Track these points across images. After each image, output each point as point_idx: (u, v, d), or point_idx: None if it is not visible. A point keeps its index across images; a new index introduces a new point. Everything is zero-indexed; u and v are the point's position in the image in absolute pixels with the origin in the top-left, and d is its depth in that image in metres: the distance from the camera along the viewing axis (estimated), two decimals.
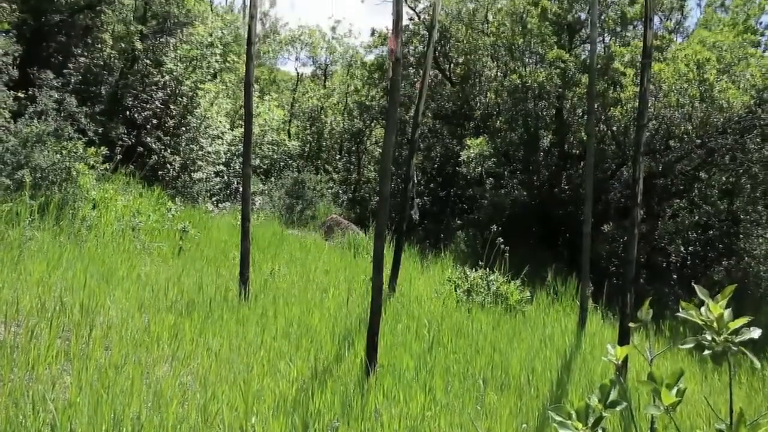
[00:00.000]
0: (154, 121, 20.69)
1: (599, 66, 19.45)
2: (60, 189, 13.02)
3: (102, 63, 20.13)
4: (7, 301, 7.02)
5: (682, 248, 19.65)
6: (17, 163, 12.71)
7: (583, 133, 20.25)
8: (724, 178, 20.01)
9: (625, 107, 19.30)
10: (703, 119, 18.61)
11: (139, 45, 20.25)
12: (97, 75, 19.74)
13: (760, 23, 22.65)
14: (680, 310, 2.35)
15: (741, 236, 19.81)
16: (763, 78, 17.75)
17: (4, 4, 15.38)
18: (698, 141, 18.94)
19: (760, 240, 19.79)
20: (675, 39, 21.79)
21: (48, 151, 13.12)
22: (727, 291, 2.26)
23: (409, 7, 26.62)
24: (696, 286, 2.37)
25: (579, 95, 20.65)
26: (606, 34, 22.67)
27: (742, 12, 22.17)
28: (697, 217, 19.69)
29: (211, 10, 28.30)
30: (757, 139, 18.52)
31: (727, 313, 2.22)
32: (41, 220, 11.76)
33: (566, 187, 21.95)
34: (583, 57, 21.44)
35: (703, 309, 2.26)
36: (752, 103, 17.92)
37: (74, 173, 13.40)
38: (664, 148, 20.09)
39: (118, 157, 17.02)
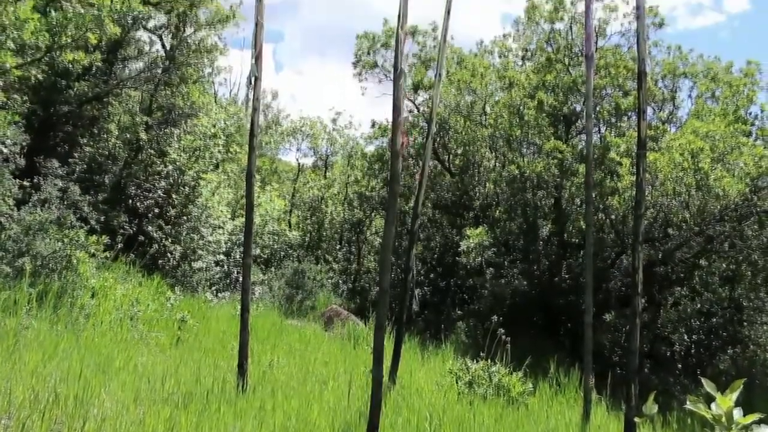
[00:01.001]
0: (156, 210, 20.86)
1: (596, 156, 19.78)
2: (59, 277, 13.00)
3: (107, 153, 20.48)
4: (0, 393, 6.87)
5: (685, 337, 19.43)
6: (18, 251, 12.75)
7: (582, 222, 20.38)
8: (724, 265, 20.02)
9: (622, 196, 19.51)
10: (701, 207, 18.80)
11: (143, 135, 20.66)
12: (102, 164, 20.05)
13: (750, 113, 23.25)
14: (687, 402, 2.31)
15: (745, 323, 19.63)
16: (756, 166, 18.04)
17: (16, 96, 15.81)
18: (696, 228, 19.05)
19: (765, 327, 19.60)
20: (669, 129, 22.29)
21: (50, 239, 13.18)
22: (735, 385, 2.23)
23: (409, 99, 27.32)
24: (703, 379, 2.34)
25: (577, 185, 20.92)
26: (602, 125, 23.19)
27: (732, 103, 22.78)
28: (699, 305, 19.56)
29: (215, 102, 29.05)
30: (755, 226, 18.66)
31: (737, 411, 2.18)
32: (39, 309, 11.66)
33: (567, 276, 21.91)
34: (579, 147, 21.84)
35: (712, 404, 2.22)
36: (748, 191, 18.14)
37: (74, 261, 13.42)
38: (663, 236, 20.18)
39: (119, 245, 17.08)
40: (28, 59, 15.28)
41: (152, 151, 21.61)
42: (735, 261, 19.53)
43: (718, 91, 23.52)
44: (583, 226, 17.92)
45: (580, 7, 21.98)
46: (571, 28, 23.73)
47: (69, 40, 15.95)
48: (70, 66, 16.69)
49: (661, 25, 23.31)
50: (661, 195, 19.42)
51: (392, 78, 13.10)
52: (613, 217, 20.93)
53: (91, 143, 19.94)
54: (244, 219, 11.45)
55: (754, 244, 18.71)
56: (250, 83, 10.54)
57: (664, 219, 20.18)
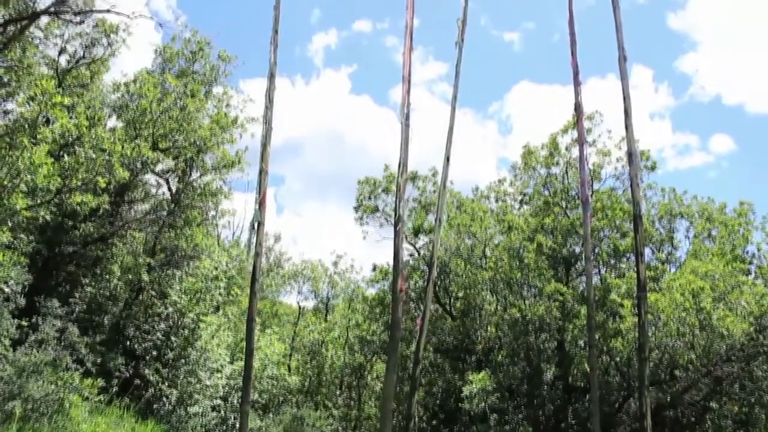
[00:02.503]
0: (154, 353, 20.55)
1: (597, 298, 19.76)
2: (50, 421, 12.62)
3: (108, 293, 20.49)
4: None
5: None
6: (10, 394, 12.45)
7: (586, 365, 19.99)
8: (736, 408, 19.36)
9: (626, 338, 19.28)
10: (706, 347, 18.51)
11: (145, 277, 20.75)
12: (102, 305, 20.01)
13: (747, 252, 23.51)
14: None
15: None
16: (758, 305, 17.98)
17: (22, 236, 16.07)
18: (704, 370, 18.66)
19: None
20: (668, 269, 22.45)
21: (43, 382, 12.91)
22: None
23: (409, 243, 27.66)
24: None
25: (579, 327, 20.73)
26: (601, 266, 23.34)
27: (728, 242, 23.11)
28: None
29: (218, 245, 29.38)
30: (764, 366, 18.25)
31: None
32: None
33: (573, 422, 21.20)
34: (580, 289, 21.88)
35: None
36: (752, 330, 17.96)
37: (67, 405, 13.08)
38: (670, 378, 19.72)
39: (114, 388, 16.71)
40: (38, 201, 15.70)
41: (153, 293, 21.62)
42: (747, 403, 18.92)
43: (714, 231, 23.97)
44: (588, 370, 17.59)
45: (575, 152, 22.84)
46: (566, 172, 24.49)
47: (79, 183, 16.46)
48: (78, 208, 17.09)
49: (653, 168, 24.10)
50: (665, 336, 19.18)
51: (393, 222, 13.41)
52: (617, 359, 20.56)
53: (93, 283, 20.01)
54: (243, 363, 11.30)
55: (765, 385, 18.22)
56: (254, 228, 10.81)
57: (670, 360, 19.81)
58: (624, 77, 14.75)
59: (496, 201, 28.89)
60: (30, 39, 20.81)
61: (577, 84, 15.91)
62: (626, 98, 14.49)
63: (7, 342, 13.83)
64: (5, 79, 20.00)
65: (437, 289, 26.48)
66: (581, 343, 21.78)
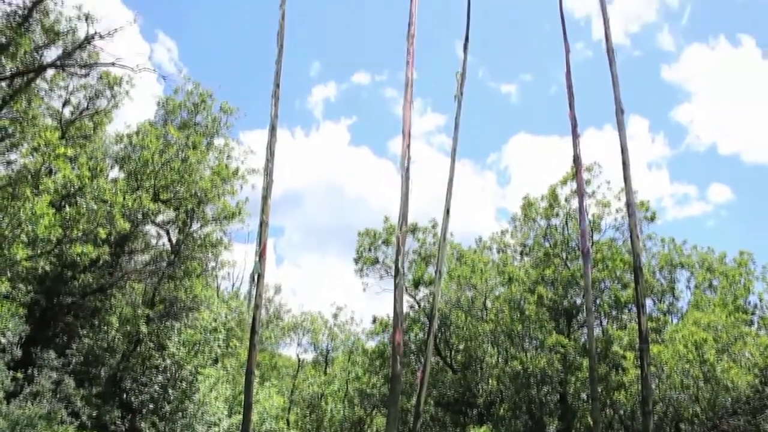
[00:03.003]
0: (151, 406, 20.26)
1: (599, 350, 19.58)
2: None
3: (105, 345, 20.29)
4: None
5: None
6: None
7: (589, 419, 19.67)
8: None
9: (629, 390, 19.03)
10: (711, 400, 18.24)
11: (144, 329, 20.59)
12: (99, 356, 19.79)
13: (748, 302, 23.40)
14: None
15: None
16: (763, 357, 17.80)
17: (21, 285, 16.01)
18: (709, 423, 18.35)
19: None
20: (670, 320, 22.33)
21: None
22: None
23: (410, 295, 27.53)
24: None
25: (582, 379, 20.49)
26: (603, 318, 23.19)
27: (730, 292, 23.02)
28: None
29: (218, 296, 29.22)
30: None
31: None
32: None
33: None
34: (582, 341, 21.70)
35: None
36: (758, 383, 17.72)
37: None
38: None
39: None
40: (39, 251, 15.68)
41: (151, 345, 21.42)
42: None
43: (715, 281, 23.93)
44: (591, 423, 17.31)
45: (574, 204, 22.92)
46: (566, 223, 24.55)
47: (80, 234, 16.47)
48: (78, 258, 17.05)
49: (653, 218, 24.18)
50: (669, 388, 18.93)
51: (393, 274, 13.38)
52: (621, 412, 20.26)
53: (91, 335, 19.84)
54: (241, 417, 11.12)
55: None
56: (254, 280, 10.77)
57: (675, 414, 19.50)
58: (622, 130, 14.90)
59: (498, 252, 28.91)
60: (35, 91, 21.12)
61: (575, 136, 16.07)
62: (624, 150, 14.61)
63: (1, 394, 13.65)
64: (10, 130, 20.22)
65: (438, 341, 26.26)
66: (584, 395, 21.51)
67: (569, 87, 16.34)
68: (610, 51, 15.61)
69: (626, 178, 14.72)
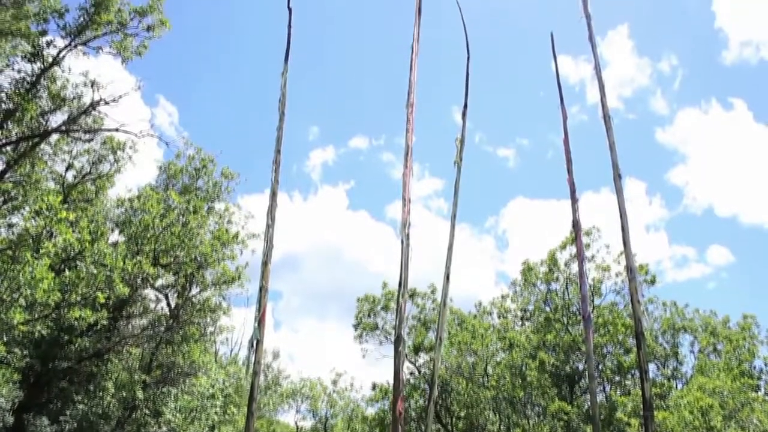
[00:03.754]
0: None
1: (603, 417, 19.22)
2: None
3: (100, 411, 19.94)
4: None
5: None
6: None
7: None
8: None
9: None
10: None
11: (140, 394, 20.27)
12: (93, 423, 19.41)
13: (754, 367, 23.11)
14: None
15: None
16: None
17: (16, 350, 15.83)
18: None
19: None
20: (675, 385, 22.00)
21: None
22: None
23: (410, 361, 27.20)
24: None
25: None
26: (606, 383, 22.87)
27: (734, 357, 22.77)
28: None
29: (216, 362, 28.88)
30: None
31: None
32: None
33: None
34: (585, 407, 21.32)
35: None
36: None
37: None
38: None
39: None
40: (36, 316, 15.58)
41: (147, 411, 21.05)
42: None
43: (719, 345, 23.70)
44: None
45: (574, 268, 22.89)
46: (567, 287, 24.47)
47: (78, 298, 16.39)
48: (76, 323, 16.91)
49: (653, 282, 24.14)
50: None
51: (393, 340, 13.24)
52: None
53: (86, 401, 19.51)
54: None
55: None
56: (252, 346, 10.66)
57: None
58: (620, 194, 14.97)
59: (499, 317, 28.74)
60: (39, 155, 21.37)
61: (574, 201, 16.16)
62: (623, 215, 14.65)
63: None
64: (12, 194, 20.37)
65: (438, 408, 25.81)
66: None
67: (567, 152, 16.52)
68: (606, 117, 15.84)
69: (625, 243, 14.71)
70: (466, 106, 15.78)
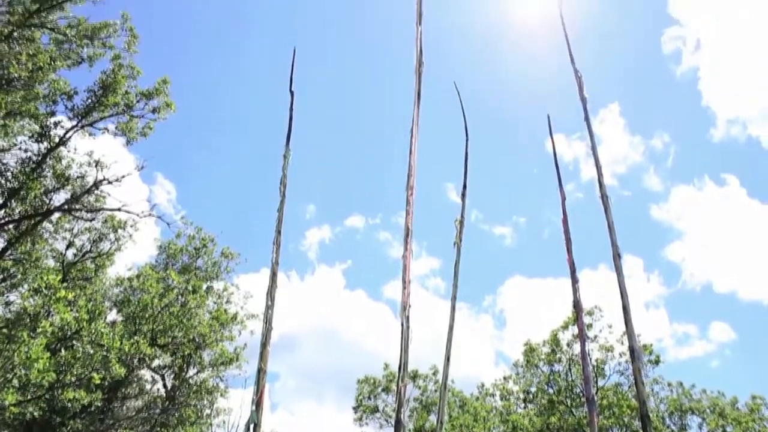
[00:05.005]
0: None
1: None
2: None
3: None
4: None
5: None
6: None
7: None
8: None
9: None
10: None
11: None
12: None
13: None
14: None
15: None
16: None
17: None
18: None
19: None
20: None
21: None
22: None
23: None
24: None
25: None
26: None
27: None
28: None
29: None
30: None
31: None
32: None
33: None
34: None
35: None
36: None
37: None
38: None
39: None
40: (29, 397, 15.30)
41: None
42: None
43: (729, 428, 23.15)
44: None
45: (577, 348, 22.62)
46: (569, 368, 24.11)
47: (73, 379, 16.13)
48: (69, 404, 16.58)
49: (657, 362, 23.85)
50: None
51: (393, 423, 12.93)
52: None
53: None
54: None
55: None
56: (249, 430, 10.41)
57: None
58: (620, 274, 14.89)
59: (501, 399, 28.21)
60: (41, 233, 21.46)
61: (574, 281, 16.06)
62: (623, 294, 14.54)
63: None
64: (12, 271, 20.36)
65: None
66: None
67: (566, 233, 16.54)
68: (604, 197, 15.92)
69: (627, 323, 14.55)
70: (465, 186, 15.88)
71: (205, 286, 23.76)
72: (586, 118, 15.69)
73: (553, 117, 16.81)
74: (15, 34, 19.14)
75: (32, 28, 19.56)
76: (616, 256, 15.16)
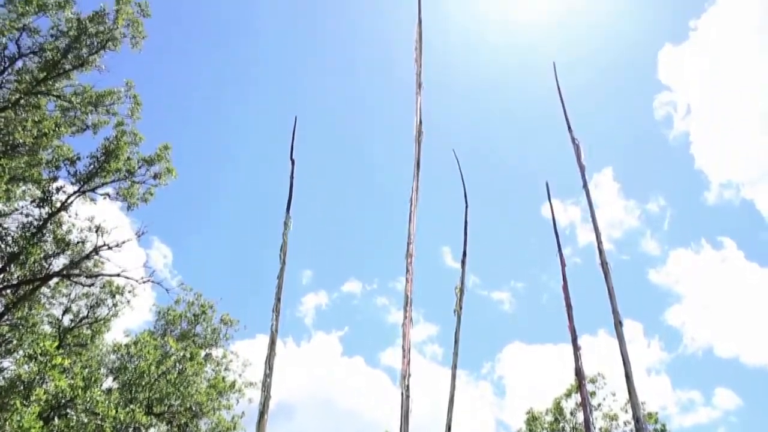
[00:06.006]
0: None
1: None
2: None
3: None
4: None
5: None
6: None
7: None
8: None
9: None
10: None
11: None
12: None
13: None
14: None
15: None
16: None
17: None
18: None
19: None
20: None
21: None
22: None
23: None
24: None
25: None
26: None
27: None
28: None
29: None
30: None
31: None
32: None
33: None
34: None
35: None
36: None
37: None
38: None
39: None
40: None
41: None
42: None
43: None
44: None
45: (580, 417, 22.19)
46: None
47: None
48: None
49: (663, 431, 23.31)
50: None
51: None
52: None
53: None
54: None
55: None
56: None
57: None
58: (622, 342, 14.75)
59: None
60: (38, 298, 21.36)
61: (576, 349, 15.89)
62: (626, 363, 14.37)
63: None
64: (7, 337, 20.17)
65: None
66: None
67: (567, 299, 16.44)
68: (604, 264, 15.88)
69: (631, 392, 14.34)
70: (465, 254, 15.87)
71: (203, 354, 23.50)
72: (585, 186, 15.77)
73: (547, 181, 16.86)
74: (22, 101, 19.48)
75: (39, 96, 19.93)
76: (618, 324, 15.04)
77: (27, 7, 18.69)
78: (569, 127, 16.39)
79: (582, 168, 16.40)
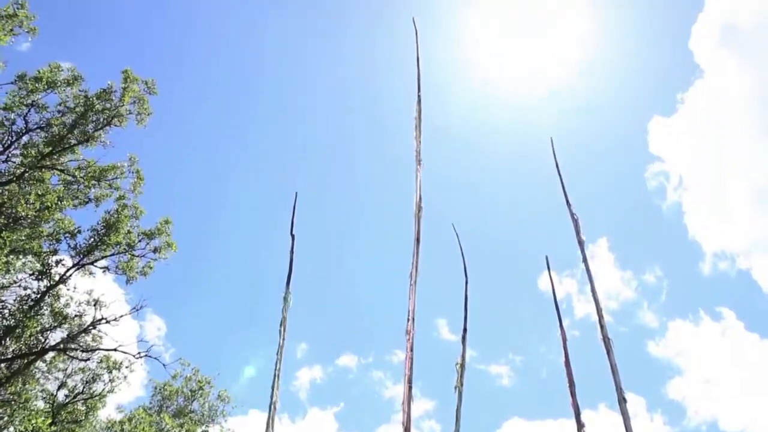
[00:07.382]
0: None
1: None
2: None
3: None
4: None
5: None
6: None
7: None
8: None
9: None
10: None
11: None
12: None
13: None
14: None
15: None
16: None
17: None
18: None
19: None
20: None
21: None
22: None
23: None
24: None
25: None
26: None
27: None
28: None
29: None
30: None
31: None
32: None
33: None
34: None
35: None
36: None
37: None
38: None
39: None
40: None
41: None
42: None
43: None
44: None
45: None
46: None
47: None
48: None
49: None
50: None
51: None
52: None
53: None
54: None
55: None
56: None
57: None
58: (626, 418, 14.52)
59: None
60: (33, 372, 21.05)
61: (580, 426, 15.61)
62: None
63: None
64: None
65: None
66: None
67: (569, 375, 16.22)
68: (605, 339, 15.74)
69: None
70: (465, 330, 15.73)
71: (200, 431, 23.00)
72: (585, 261, 15.77)
73: (543, 255, 16.86)
74: (26, 174, 19.71)
75: (43, 170, 20.17)
76: (621, 401, 14.82)
77: (37, 85, 19.14)
78: (568, 202, 16.49)
79: (581, 243, 16.45)
